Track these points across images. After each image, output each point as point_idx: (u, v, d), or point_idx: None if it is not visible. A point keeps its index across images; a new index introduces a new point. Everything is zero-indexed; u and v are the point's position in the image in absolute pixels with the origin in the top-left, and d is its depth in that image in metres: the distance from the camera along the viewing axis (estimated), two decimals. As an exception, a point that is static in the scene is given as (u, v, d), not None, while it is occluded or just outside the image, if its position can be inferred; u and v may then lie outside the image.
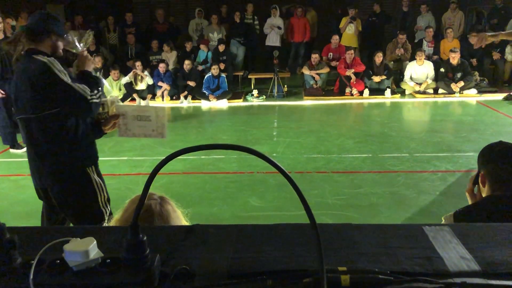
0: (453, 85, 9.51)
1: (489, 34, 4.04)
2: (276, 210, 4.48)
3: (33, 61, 2.57)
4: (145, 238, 0.74)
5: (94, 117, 2.83)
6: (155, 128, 2.84)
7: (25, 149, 6.09)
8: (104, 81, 9.01)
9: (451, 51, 9.61)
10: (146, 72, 9.89)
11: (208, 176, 5.49)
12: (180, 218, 1.51)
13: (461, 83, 9.48)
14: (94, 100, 2.66)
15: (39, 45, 2.65)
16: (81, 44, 2.81)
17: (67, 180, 2.74)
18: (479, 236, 0.90)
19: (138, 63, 9.65)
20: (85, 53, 2.81)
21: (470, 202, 2.00)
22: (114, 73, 9.56)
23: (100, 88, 2.76)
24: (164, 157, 0.72)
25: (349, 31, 11.29)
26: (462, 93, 9.53)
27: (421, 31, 11.20)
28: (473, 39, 4.48)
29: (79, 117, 2.71)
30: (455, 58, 9.51)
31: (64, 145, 2.68)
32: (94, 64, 2.87)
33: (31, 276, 0.70)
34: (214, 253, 0.84)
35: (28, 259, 0.75)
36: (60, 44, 2.73)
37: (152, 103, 9.78)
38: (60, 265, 0.74)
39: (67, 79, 2.58)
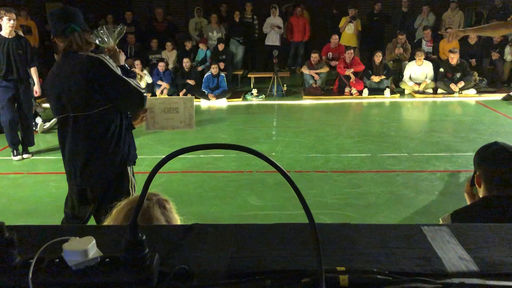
0: (452, 85, 9.51)
1: (459, 30, 4.24)
2: (275, 209, 4.48)
3: (79, 58, 2.51)
4: (144, 237, 0.74)
5: None
6: (183, 119, 2.81)
7: (18, 157, 6.02)
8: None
9: (450, 51, 9.62)
10: (145, 71, 9.88)
11: (207, 175, 5.50)
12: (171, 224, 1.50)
13: (461, 83, 9.49)
14: (145, 94, 2.66)
15: (72, 43, 2.56)
16: (112, 39, 2.74)
17: (111, 177, 2.69)
18: (477, 237, 0.90)
19: (137, 62, 9.64)
20: (116, 47, 2.77)
21: (469, 203, 2.01)
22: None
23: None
24: (163, 156, 0.72)
25: (349, 31, 11.30)
26: (462, 93, 9.54)
27: (420, 30, 11.19)
28: (445, 34, 4.63)
29: (129, 111, 2.69)
30: (454, 59, 9.52)
31: (112, 143, 2.63)
32: (123, 58, 2.81)
33: (30, 275, 0.70)
34: (213, 253, 0.84)
35: (27, 258, 0.75)
36: (79, 38, 2.58)
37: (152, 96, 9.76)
38: (59, 264, 0.74)
39: (120, 74, 2.55)
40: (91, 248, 0.74)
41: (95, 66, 2.49)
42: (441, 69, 9.72)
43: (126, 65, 2.81)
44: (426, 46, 10.78)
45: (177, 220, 1.53)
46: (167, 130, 2.91)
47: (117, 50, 2.77)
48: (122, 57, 2.80)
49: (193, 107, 2.85)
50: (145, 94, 2.66)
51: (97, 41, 2.71)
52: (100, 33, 2.71)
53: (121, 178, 2.72)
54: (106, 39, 2.73)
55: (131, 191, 2.75)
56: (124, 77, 2.56)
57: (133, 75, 2.73)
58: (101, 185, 2.69)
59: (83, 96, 2.52)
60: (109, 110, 2.58)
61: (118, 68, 2.60)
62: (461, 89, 9.54)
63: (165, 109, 2.82)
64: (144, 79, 9.75)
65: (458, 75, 9.62)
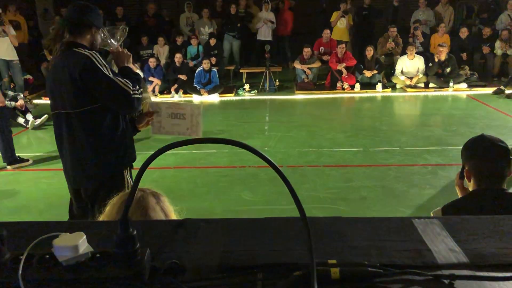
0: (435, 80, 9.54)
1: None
2: (267, 204, 4.49)
3: (74, 54, 2.48)
4: (135, 232, 0.74)
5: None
6: (190, 126, 2.72)
7: (9, 167, 5.69)
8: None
9: (439, 45, 9.66)
10: (136, 65, 9.82)
11: (199, 171, 5.49)
12: (166, 214, 1.50)
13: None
14: (136, 96, 2.55)
15: (79, 38, 2.56)
16: (115, 41, 2.70)
17: (104, 178, 2.64)
18: (467, 229, 0.91)
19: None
20: (120, 48, 2.71)
21: (460, 196, 2.02)
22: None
23: (141, 85, 2.67)
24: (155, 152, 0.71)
25: (341, 25, 11.28)
26: (453, 87, 9.59)
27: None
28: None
29: (120, 113, 2.62)
30: (442, 53, 9.55)
31: (105, 143, 2.59)
32: (131, 58, 2.76)
33: (20, 271, 0.70)
34: (205, 247, 0.84)
35: (17, 254, 0.75)
36: (98, 37, 2.63)
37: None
38: (49, 260, 0.73)
39: (108, 73, 2.49)
40: (82, 243, 0.73)
41: (81, 64, 2.46)
42: (431, 64, 9.76)
43: (132, 67, 2.74)
44: (417, 40, 10.80)
45: (172, 210, 1.53)
46: (173, 135, 2.81)
47: (122, 51, 2.71)
48: (128, 58, 2.72)
49: (201, 114, 2.75)
50: (136, 96, 2.56)
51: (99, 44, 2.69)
52: (102, 36, 2.67)
53: (116, 180, 2.67)
54: (108, 41, 2.68)
55: None
56: (112, 77, 2.49)
57: (136, 78, 2.65)
58: (92, 185, 2.66)
59: (70, 94, 2.50)
60: (99, 109, 2.54)
61: (107, 67, 2.52)
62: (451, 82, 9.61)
63: (171, 114, 2.75)
64: (136, 74, 9.69)
65: (447, 70, 9.67)
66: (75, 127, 2.56)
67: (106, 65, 2.53)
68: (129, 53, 2.76)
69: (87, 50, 2.51)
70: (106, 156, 2.62)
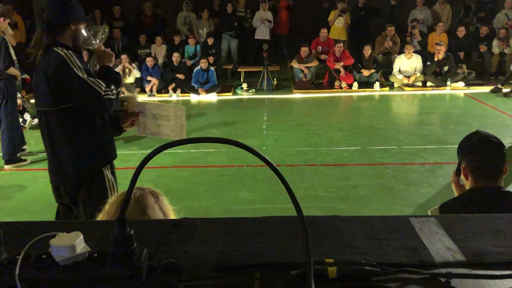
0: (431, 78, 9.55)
1: None
2: (265, 203, 4.49)
3: (51, 55, 2.52)
4: (132, 232, 0.74)
5: (113, 114, 2.74)
6: (174, 128, 2.70)
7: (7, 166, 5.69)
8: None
9: (437, 44, 9.67)
10: (133, 65, 9.80)
11: (197, 170, 5.49)
12: (165, 213, 1.51)
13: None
14: (109, 97, 2.56)
15: (58, 37, 2.58)
16: (97, 40, 2.69)
17: (81, 176, 2.66)
18: (464, 227, 0.91)
19: (124, 56, 9.54)
20: (102, 48, 2.72)
21: (456, 193, 2.03)
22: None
23: (119, 85, 2.67)
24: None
25: (338, 25, 11.29)
26: (451, 86, 9.60)
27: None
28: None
29: (94, 113, 2.64)
30: (440, 51, 9.56)
31: (82, 141, 2.61)
32: (113, 58, 2.77)
33: (17, 271, 0.70)
34: (202, 247, 0.84)
35: (14, 254, 0.75)
36: (82, 30, 2.63)
37: (141, 97, 9.72)
38: (46, 260, 0.73)
39: (82, 73, 2.51)
40: (79, 243, 0.73)
41: (55, 65, 2.49)
42: (429, 62, 9.77)
43: (130, 66, 2.76)
44: (415, 39, 10.81)
45: (170, 210, 1.53)
46: (158, 137, 2.79)
47: (105, 50, 2.73)
48: (110, 58, 2.74)
49: (184, 116, 2.73)
50: (108, 97, 2.55)
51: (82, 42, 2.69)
52: (84, 34, 2.67)
53: (94, 178, 2.68)
54: (90, 41, 2.69)
55: (109, 191, 2.71)
56: (84, 78, 2.50)
57: (116, 78, 2.67)
58: (69, 183, 2.68)
59: (47, 93, 2.54)
60: (74, 108, 2.56)
61: (81, 67, 2.52)
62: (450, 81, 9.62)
63: (156, 115, 2.74)
64: (133, 73, 9.68)
65: (445, 68, 9.69)
66: (52, 125, 2.61)
67: (80, 66, 2.53)
68: (111, 52, 2.78)
69: (64, 50, 2.53)
70: (82, 154, 2.65)
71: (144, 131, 2.81)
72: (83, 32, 2.67)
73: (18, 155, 5.82)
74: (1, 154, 5.85)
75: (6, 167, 5.70)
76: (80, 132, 2.61)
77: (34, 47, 2.64)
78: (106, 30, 2.76)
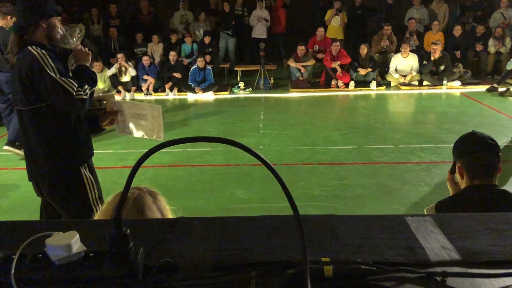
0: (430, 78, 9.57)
1: None
2: (262, 202, 4.49)
3: (25, 54, 2.52)
4: (128, 231, 0.74)
5: (92, 113, 2.75)
6: (152, 127, 2.70)
7: (6, 146, 5.83)
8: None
9: (433, 43, 9.69)
10: (129, 63, 9.78)
11: (194, 169, 5.48)
12: (163, 213, 1.51)
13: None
14: (81, 96, 2.55)
15: (32, 36, 2.59)
16: (74, 39, 2.69)
17: (57, 175, 2.66)
18: (460, 226, 0.91)
19: (120, 55, 9.52)
20: (79, 46, 2.72)
21: (450, 191, 2.05)
22: (97, 65, 9.43)
23: (94, 85, 2.67)
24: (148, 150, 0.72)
25: (335, 23, 11.29)
26: (447, 85, 9.63)
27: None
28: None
29: (68, 112, 2.63)
30: (436, 51, 9.57)
31: (56, 140, 2.62)
32: (90, 57, 2.78)
33: (13, 271, 0.70)
34: (198, 246, 0.84)
35: (10, 253, 0.74)
36: (55, 25, 2.63)
37: (137, 96, 9.70)
38: (42, 260, 0.73)
39: (54, 73, 2.50)
40: (75, 242, 0.73)
41: (28, 64, 2.49)
42: (425, 61, 9.79)
43: (90, 65, 2.77)
44: (414, 33, 10.83)
45: (168, 209, 1.54)
46: (137, 136, 2.80)
47: (81, 49, 2.72)
48: (87, 57, 2.74)
49: (161, 116, 2.70)
50: (79, 97, 2.55)
51: (58, 42, 2.68)
52: (60, 32, 2.67)
53: (71, 177, 2.69)
54: (67, 40, 2.68)
55: (88, 189, 2.72)
56: (56, 77, 2.50)
57: (91, 77, 2.67)
58: (46, 182, 2.67)
59: (20, 92, 2.55)
60: (47, 108, 2.56)
61: (53, 67, 2.52)
62: (446, 80, 9.65)
63: (134, 114, 2.74)
64: (129, 72, 9.66)
65: (441, 67, 9.71)
66: (27, 125, 2.61)
67: (53, 65, 2.53)
68: (88, 51, 2.78)
69: (39, 49, 2.53)
70: (56, 154, 2.65)
71: (123, 130, 2.81)
72: (59, 29, 2.66)
73: (17, 144, 5.93)
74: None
75: (5, 147, 5.84)
76: (54, 132, 2.61)
77: (11, 51, 2.64)
78: (82, 29, 2.76)
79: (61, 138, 2.64)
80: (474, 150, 1.90)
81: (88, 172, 2.76)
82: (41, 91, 2.53)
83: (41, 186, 2.73)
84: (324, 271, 0.73)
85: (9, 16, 5.76)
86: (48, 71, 2.49)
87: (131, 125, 2.77)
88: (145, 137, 2.75)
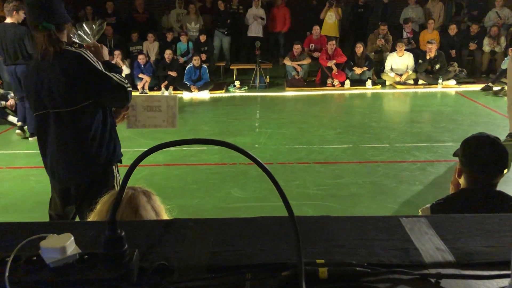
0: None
1: None
2: (258, 201, 4.49)
3: (64, 53, 2.44)
4: (123, 233, 0.74)
5: None
6: (166, 118, 2.73)
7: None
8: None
9: (428, 42, 9.71)
10: (124, 61, 9.74)
11: (190, 168, 5.48)
12: (157, 212, 1.50)
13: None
14: (130, 89, 2.59)
15: (61, 36, 2.50)
16: (92, 36, 2.65)
17: (95, 175, 2.61)
18: (454, 227, 0.92)
19: (117, 52, 9.49)
20: (96, 43, 2.69)
21: (451, 192, 2.05)
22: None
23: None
24: (145, 150, 0.72)
25: (330, 20, 11.24)
26: (442, 84, 9.66)
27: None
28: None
29: (117, 106, 2.64)
30: (432, 50, 9.60)
31: (96, 139, 2.57)
32: (107, 52, 2.78)
33: (7, 274, 0.69)
34: (193, 248, 0.84)
35: (4, 256, 0.74)
36: (70, 26, 2.59)
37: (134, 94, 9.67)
38: (36, 262, 0.73)
39: (101, 69, 2.48)
40: (70, 245, 0.73)
41: (75, 62, 2.43)
42: (420, 60, 9.82)
43: (110, 61, 2.75)
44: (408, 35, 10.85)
45: (163, 209, 1.53)
46: (149, 128, 2.84)
47: (99, 45, 2.70)
48: (106, 52, 2.73)
49: (177, 106, 2.76)
50: (129, 89, 2.59)
51: (76, 39, 2.64)
52: (78, 31, 2.64)
53: (106, 175, 2.66)
54: (85, 37, 2.64)
55: (116, 188, 2.67)
56: (106, 72, 2.49)
57: (119, 71, 2.67)
58: (86, 182, 2.63)
59: (62, 92, 2.45)
60: (91, 106, 2.51)
61: (99, 63, 2.52)
62: (441, 79, 9.68)
63: (147, 107, 2.75)
64: (123, 70, 9.62)
65: (437, 66, 9.74)
66: (66, 126, 2.53)
67: (98, 61, 2.52)
68: (105, 47, 2.76)
69: (77, 48, 2.50)
70: (99, 152, 2.61)
71: (134, 124, 2.82)
72: (76, 30, 2.64)
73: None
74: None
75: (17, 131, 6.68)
76: (96, 131, 2.56)
77: (46, 51, 2.45)
78: (103, 26, 2.71)
79: (102, 136, 2.60)
80: (473, 152, 1.89)
81: (117, 172, 2.73)
82: (92, 88, 2.46)
83: (74, 189, 2.64)
84: (319, 272, 0.73)
85: (14, 11, 5.86)
86: (97, 67, 2.48)
87: (143, 119, 2.78)
88: (158, 128, 2.77)
